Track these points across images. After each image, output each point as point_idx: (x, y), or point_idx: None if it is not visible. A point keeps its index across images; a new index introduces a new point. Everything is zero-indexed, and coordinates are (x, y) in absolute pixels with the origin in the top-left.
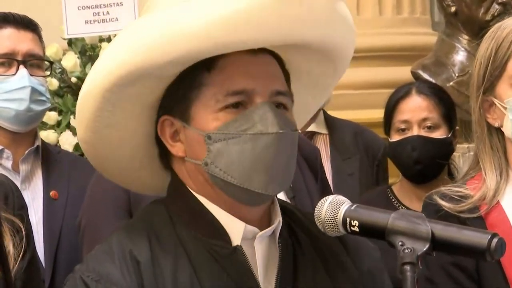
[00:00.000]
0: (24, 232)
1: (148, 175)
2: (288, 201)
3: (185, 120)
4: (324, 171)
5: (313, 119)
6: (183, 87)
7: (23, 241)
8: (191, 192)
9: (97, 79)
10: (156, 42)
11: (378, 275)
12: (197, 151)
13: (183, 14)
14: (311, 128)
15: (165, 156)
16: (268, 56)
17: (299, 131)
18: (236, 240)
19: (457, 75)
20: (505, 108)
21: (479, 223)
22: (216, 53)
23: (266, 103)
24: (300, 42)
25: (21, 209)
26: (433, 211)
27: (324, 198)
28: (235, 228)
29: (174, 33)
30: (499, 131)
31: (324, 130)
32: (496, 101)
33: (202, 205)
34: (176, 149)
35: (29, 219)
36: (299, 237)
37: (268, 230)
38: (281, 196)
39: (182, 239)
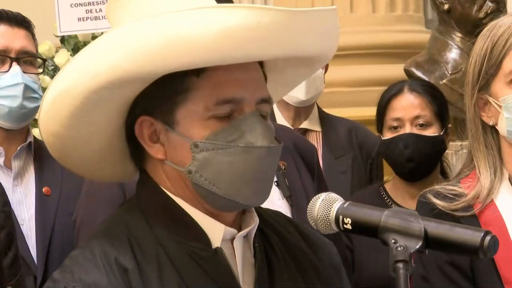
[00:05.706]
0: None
1: (109, 166)
2: (285, 200)
3: (168, 123)
4: (321, 169)
5: (305, 115)
6: (168, 89)
7: (7, 237)
8: (167, 194)
9: (82, 79)
10: (159, 50)
11: (340, 269)
12: (180, 156)
13: (189, 23)
14: (304, 125)
15: (137, 154)
16: (254, 61)
17: (292, 127)
18: (216, 242)
19: (450, 72)
20: (500, 106)
21: (473, 221)
22: (218, 64)
23: (255, 113)
24: (302, 55)
25: (5, 206)
26: (427, 210)
27: (316, 195)
28: (215, 230)
29: (181, 44)
30: (493, 129)
31: (317, 127)
32: (491, 99)
33: (180, 207)
34: (155, 150)
35: (11, 215)
36: (270, 238)
37: (246, 231)
38: (277, 195)
39: (161, 243)
